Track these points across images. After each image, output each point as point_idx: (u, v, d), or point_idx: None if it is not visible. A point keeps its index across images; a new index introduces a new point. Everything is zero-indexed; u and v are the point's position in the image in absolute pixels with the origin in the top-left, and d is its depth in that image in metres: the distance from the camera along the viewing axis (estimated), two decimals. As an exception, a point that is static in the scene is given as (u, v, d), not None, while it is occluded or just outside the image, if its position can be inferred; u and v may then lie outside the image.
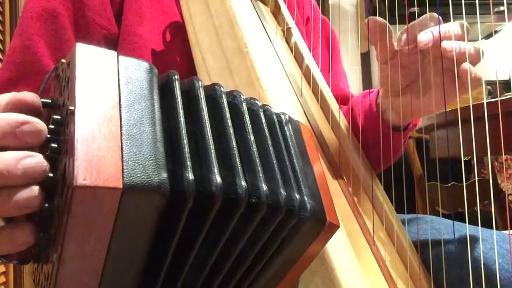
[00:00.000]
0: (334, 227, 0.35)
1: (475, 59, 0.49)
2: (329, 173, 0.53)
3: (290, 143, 0.36)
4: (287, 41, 0.66)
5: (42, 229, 0.25)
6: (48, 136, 0.25)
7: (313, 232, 0.34)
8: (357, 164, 0.57)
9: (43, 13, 0.55)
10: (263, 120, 0.34)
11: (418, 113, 0.56)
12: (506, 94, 1.86)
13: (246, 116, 0.33)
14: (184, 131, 0.27)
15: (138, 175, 0.23)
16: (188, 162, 0.26)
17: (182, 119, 0.28)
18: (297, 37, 0.66)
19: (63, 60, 0.27)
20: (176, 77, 0.30)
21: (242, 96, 0.34)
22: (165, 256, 0.28)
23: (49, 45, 0.55)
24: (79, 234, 0.23)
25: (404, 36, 0.51)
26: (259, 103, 0.35)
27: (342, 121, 0.60)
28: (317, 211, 0.34)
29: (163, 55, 0.60)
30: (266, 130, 0.34)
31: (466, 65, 0.47)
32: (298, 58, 0.64)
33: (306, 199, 0.33)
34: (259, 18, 0.62)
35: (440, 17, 0.50)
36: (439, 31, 0.49)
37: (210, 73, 0.53)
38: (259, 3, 0.66)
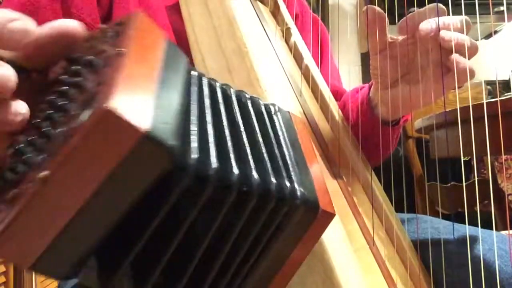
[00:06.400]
0: (329, 215, 0.34)
1: (472, 51, 0.49)
2: (328, 173, 0.53)
3: (279, 132, 0.36)
4: (287, 41, 0.66)
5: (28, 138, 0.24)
6: (77, 67, 0.25)
7: (306, 220, 0.33)
8: (356, 164, 0.56)
9: (27, 3, 0.54)
10: (251, 110, 0.35)
11: (409, 106, 0.56)
12: (506, 94, 1.86)
13: (236, 106, 0.34)
14: (195, 111, 0.29)
15: (161, 129, 0.22)
16: (195, 144, 0.26)
17: (197, 103, 0.29)
18: (296, 37, 0.66)
19: (102, 26, 0.29)
20: (200, 73, 0.31)
21: (231, 88, 0.35)
22: (141, 237, 0.26)
23: None
24: (78, 160, 0.21)
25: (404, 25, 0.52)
26: (247, 95, 0.36)
27: (342, 121, 0.60)
28: (309, 198, 0.33)
29: None
30: (254, 120, 0.34)
31: (455, 55, 0.48)
32: (298, 58, 0.64)
33: (296, 186, 0.32)
34: (259, 18, 0.62)
35: (441, 6, 0.50)
36: (439, 22, 0.49)
37: (210, 73, 0.53)
38: (258, 3, 0.66)
